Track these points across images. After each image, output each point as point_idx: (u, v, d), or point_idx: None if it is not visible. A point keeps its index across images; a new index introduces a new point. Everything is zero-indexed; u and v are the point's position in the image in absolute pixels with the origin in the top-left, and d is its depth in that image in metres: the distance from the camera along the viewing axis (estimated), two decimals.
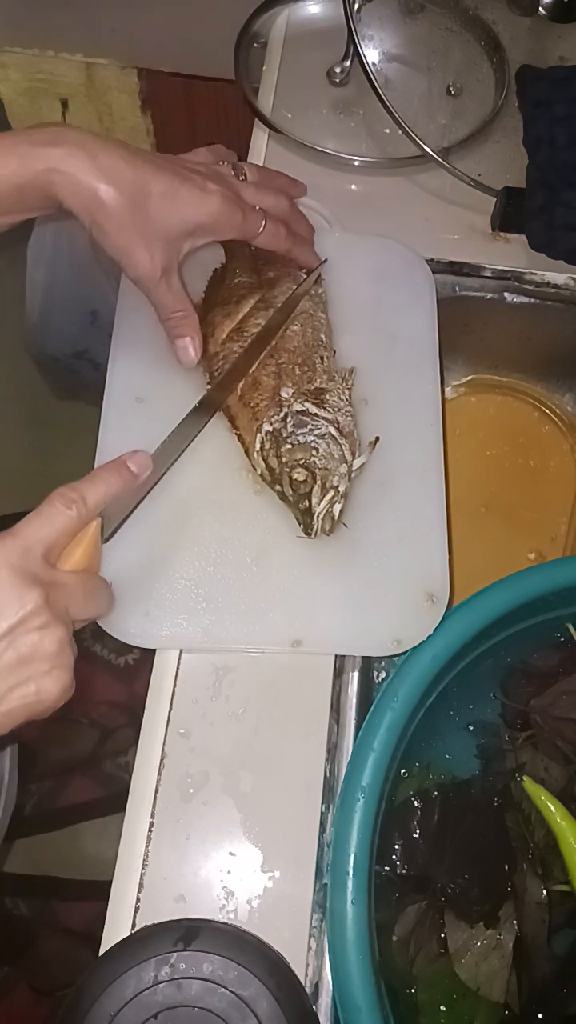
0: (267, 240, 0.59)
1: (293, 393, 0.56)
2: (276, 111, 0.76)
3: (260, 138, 0.76)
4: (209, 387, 0.60)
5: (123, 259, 0.53)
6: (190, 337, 0.58)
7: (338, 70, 0.77)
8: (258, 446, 0.55)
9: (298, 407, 0.55)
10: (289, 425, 0.55)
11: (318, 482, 0.53)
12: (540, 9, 0.76)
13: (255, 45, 0.81)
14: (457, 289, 0.72)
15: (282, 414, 0.55)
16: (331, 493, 0.53)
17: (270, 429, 0.55)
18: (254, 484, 0.58)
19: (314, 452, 0.54)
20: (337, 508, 0.54)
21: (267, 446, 0.55)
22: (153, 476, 0.52)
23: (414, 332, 0.65)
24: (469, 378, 0.84)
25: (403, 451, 0.59)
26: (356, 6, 0.70)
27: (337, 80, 0.78)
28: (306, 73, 0.79)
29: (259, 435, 0.55)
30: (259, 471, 0.56)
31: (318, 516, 0.53)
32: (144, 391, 0.60)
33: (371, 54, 0.81)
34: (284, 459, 0.54)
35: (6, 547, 0.42)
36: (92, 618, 0.47)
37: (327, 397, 0.57)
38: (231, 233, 0.56)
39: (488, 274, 0.71)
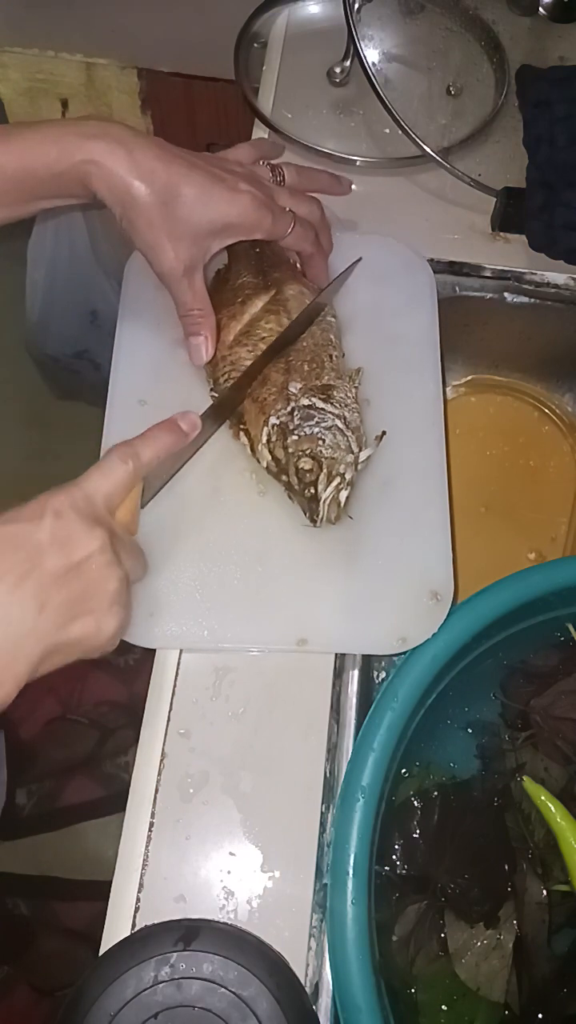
0: (294, 241, 0.59)
1: (301, 388, 0.56)
2: (276, 111, 0.76)
3: (259, 137, 0.75)
4: (212, 391, 0.60)
5: (149, 254, 0.55)
6: (204, 336, 0.59)
7: (338, 70, 0.77)
8: (264, 438, 0.55)
9: (305, 401, 0.55)
10: (296, 418, 0.55)
11: (324, 470, 0.53)
12: (540, 9, 0.76)
13: (255, 45, 0.81)
14: (457, 289, 0.72)
15: (289, 408, 0.55)
16: (337, 480, 0.53)
17: (277, 422, 0.55)
18: (257, 485, 0.58)
19: (320, 442, 0.54)
20: (343, 495, 0.54)
21: (274, 438, 0.55)
22: (186, 453, 0.55)
23: (415, 332, 0.65)
24: (469, 378, 0.84)
25: (406, 451, 0.59)
26: (356, 6, 0.70)
27: (337, 80, 0.78)
28: (306, 73, 0.79)
29: (265, 428, 0.55)
30: (264, 463, 0.56)
31: (324, 502, 0.53)
32: (147, 394, 0.60)
33: (371, 54, 0.81)
34: (290, 449, 0.54)
35: (72, 494, 0.44)
36: (133, 579, 0.48)
37: (334, 393, 0.57)
38: (259, 234, 0.57)
39: (488, 274, 0.71)
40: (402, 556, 0.56)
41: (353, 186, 0.74)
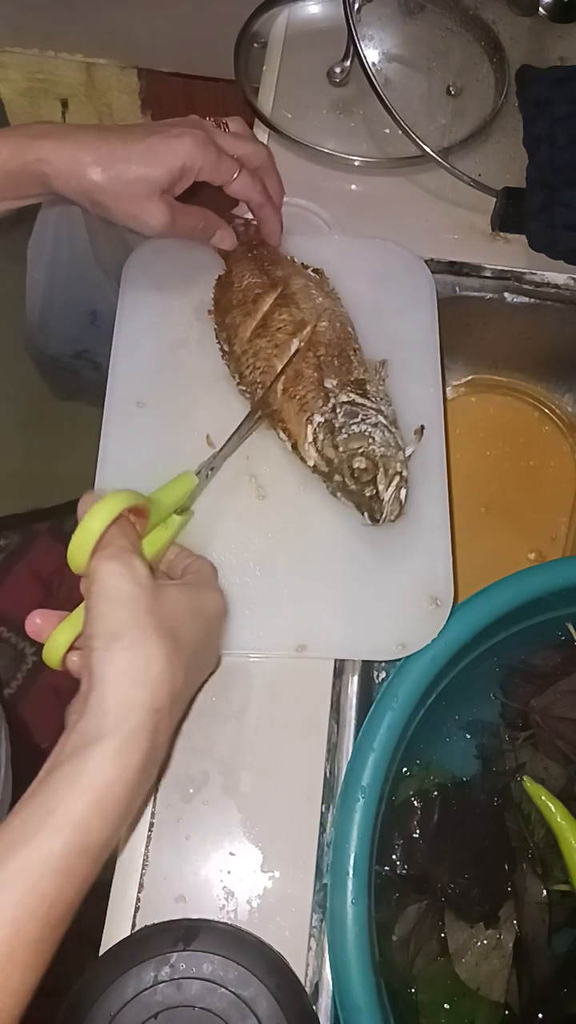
0: (241, 188, 0.60)
1: (337, 384, 0.56)
2: (276, 111, 0.76)
3: (260, 138, 0.75)
4: (239, 384, 0.60)
5: (133, 224, 0.57)
6: (220, 230, 0.62)
7: (338, 70, 0.77)
8: (310, 437, 0.55)
9: (344, 398, 0.55)
10: (340, 415, 0.55)
11: (380, 469, 0.53)
12: (540, 9, 0.76)
13: (255, 45, 0.80)
14: (457, 289, 0.72)
15: (330, 404, 0.55)
16: (396, 478, 0.53)
17: (322, 420, 0.55)
18: (256, 489, 0.58)
19: (371, 440, 0.54)
20: (403, 493, 0.54)
21: (321, 437, 0.55)
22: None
23: (415, 334, 0.64)
24: (469, 378, 0.84)
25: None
26: (356, 6, 0.70)
27: (337, 80, 0.78)
28: (306, 73, 0.79)
29: (310, 426, 0.55)
30: (312, 463, 0.56)
31: (387, 502, 0.53)
32: (145, 396, 0.60)
33: (371, 54, 0.81)
34: (341, 448, 0.54)
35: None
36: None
37: (368, 387, 0.57)
38: (208, 174, 0.58)
39: (488, 274, 0.71)
40: (402, 561, 0.56)
41: (353, 186, 0.74)
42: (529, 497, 0.80)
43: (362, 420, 0.55)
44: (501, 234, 0.73)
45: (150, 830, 0.49)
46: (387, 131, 0.75)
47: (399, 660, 0.52)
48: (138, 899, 0.48)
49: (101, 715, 0.38)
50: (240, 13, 0.80)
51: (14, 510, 1.44)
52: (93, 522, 0.42)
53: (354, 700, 0.54)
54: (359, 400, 0.56)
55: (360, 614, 0.54)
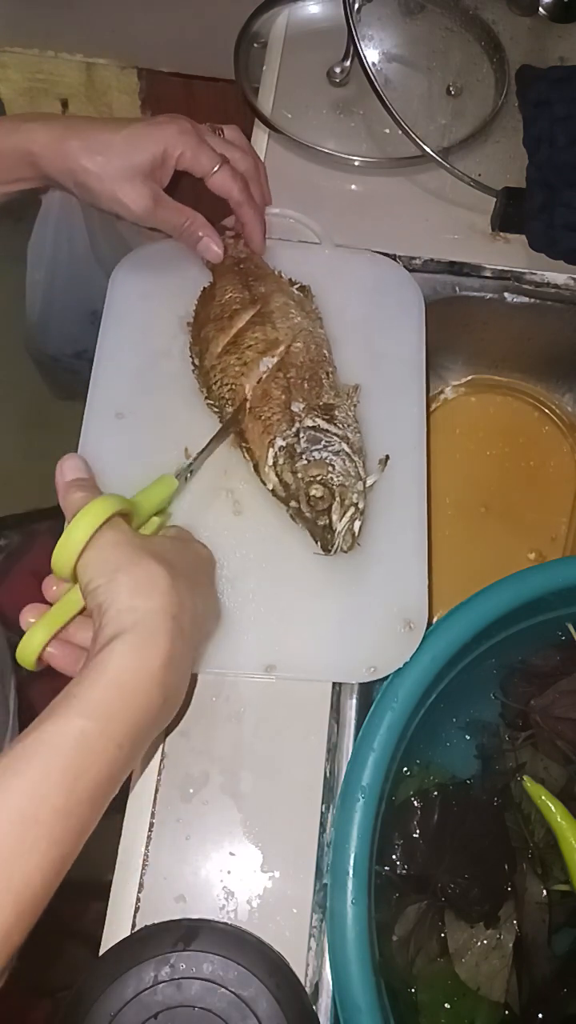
0: (220, 183, 0.60)
1: (304, 408, 0.56)
2: (276, 111, 0.76)
3: (260, 138, 0.76)
4: (207, 399, 0.60)
5: (116, 207, 0.58)
6: (207, 237, 0.62)
7: (338, 70, 0.77)
8: (271, 461, 0.55)
9: (310, 422, 0.55)
10: (303, 440, 0.54)
11: (336, 499, 0.53)
12: (540, 9, 0.76)
13: (255, 45, 0.81)
14: (457, 289, 0.72)
15: (294, 429, 0.55)
16: (351, 510, 0.53)
17: (283, 444, 0.55)
18: (233, 504, 0.57)
19: (330, 469, 0.53)
20: (357, 525, 0.53)
21: (281, 461, 0.55)
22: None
23: (402, 351, 0.63)
24: (469, 378, 0.84)
25: (387, 473, 0.58)
26: (356, 6, 0.70)
27: (337, 80, 0.78)
28: (306, 73, 0.79)
29: (271, 450, 0.55)
30: (271, 486, 0.55)
31: (339, 533, 0.52)
32: (125, 407, 0.60)
33: (371, 54, 0.81)
34: (300, 475, 0.53)
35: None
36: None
37: (336, 413, 0.56)
38: (188, 162, 0.59)
39: (488, 274, 0.71)
40: (377, 583, 0.55)
41: (353, 186, 0.74)
42: (529, 497, 0.80)
43: (324, 447, 0.54)
44: (501, 234, 0.73)
45: (150, 830, 0.49)
46: (387, 131, 0.75)
47: None
48: (138, 899, 0.48)
49: (119, 619, 0.39)
50: (240, 13, 0.80)
51: (14, 510, 1.44)
52: (77, 532, 0.42)
53: (354, 700, 0.54)
54: (324, 426, 0.55)
55: (331, 636, 0.54)
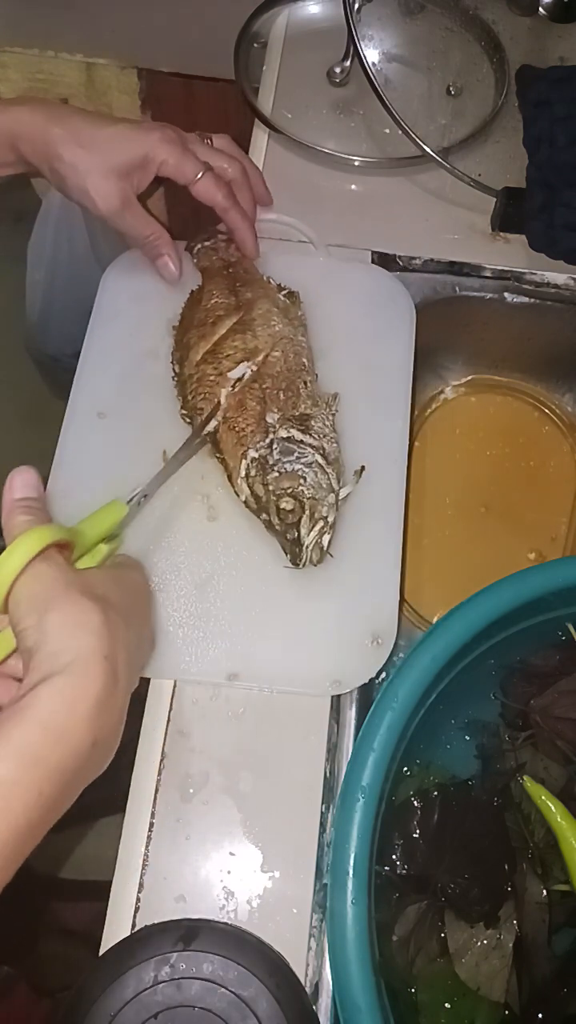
0: (204, 189, 0.60)
1: (279, 419, 0.56)
2: (276, 111, 0.76)
3: (260, 138, 0.76)
4: (182, 408, 0.59)
5: (85, 200, 0.58)
6: (167, 255, 0.62)
7: (338, 70, 0.77)
8: (243, 472, 0.55)
9: (283, 433, 0.55)
10: (275, 452, 0.54)
11: (306, 512, 0.52)
12: (540, 9, 0.76)
13: (255, 45, 0.81)
14: (457, 289, 0.72)
15: (267, 440, 0.55)
16: (320, 524, 0.52)
17: (256, 456, 0.54)
18: (208, 511, 0.57)
19: (301, 481, 0.53)
20: (326, 539, 0.53)
21: (252, 473, 0.54)
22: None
23: (390, 362, 0.63)
24: (469, 378, 0.84)
25: (365, 486, 0.58)
26: (356, 6, 0.70)
27: (337, 80, 0.78)
28: (306, 73, 0.79)
29: (244, 461, 0.55)
30: (243, 497, 0.55)
31: (307, 547, 0.52)
32: (107, 407, 0.60)
33: (371, 54, 0.81)
34: (271, 487, 0.53)
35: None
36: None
37: (312, 423, 0.56)
38: (171, 169, 0.59)
39: (488, 274, 0.71)
40: (347, 596, 0.55)
41: (353, 186, 0.74)
42: (529, 497, 0.80)
43: (297, 459, 0.54)
44: (501, 234, 0.73)
45: (150, 830, 0.49)
46: (387, 131, 0.75)
47: (399, 660, 0.52)
48: (138, 899, 0.48)
49: (49, 663, 0.36)
50: (240, 13, 0.80)
51: None
52: (10, 562, 0.39)
53: (354, 700, 0.54)
54: (298, 436, 0.55)
55: (296, 647, 0.53)
